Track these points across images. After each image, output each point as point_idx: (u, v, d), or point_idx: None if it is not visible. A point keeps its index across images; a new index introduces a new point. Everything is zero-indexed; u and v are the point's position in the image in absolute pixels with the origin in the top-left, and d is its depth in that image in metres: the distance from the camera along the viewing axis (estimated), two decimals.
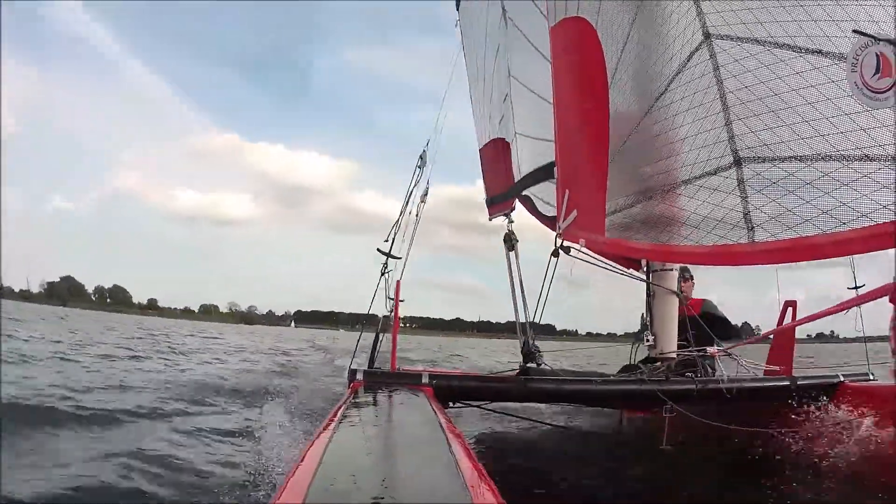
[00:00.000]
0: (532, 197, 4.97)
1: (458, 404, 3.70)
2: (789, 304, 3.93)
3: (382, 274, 3.89)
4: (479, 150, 6.21)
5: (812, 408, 3.28)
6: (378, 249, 3.99)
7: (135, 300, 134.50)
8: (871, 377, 3.69)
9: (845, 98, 2.12)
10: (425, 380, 3.24)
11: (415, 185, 4.29)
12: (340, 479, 1.31)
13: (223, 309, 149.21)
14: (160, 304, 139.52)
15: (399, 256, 3.95)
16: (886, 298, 1.77)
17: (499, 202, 5.55)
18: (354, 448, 1.75)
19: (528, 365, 3.62)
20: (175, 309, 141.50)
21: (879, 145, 1.99)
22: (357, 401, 2.69)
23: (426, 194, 4.35)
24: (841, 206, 2.02)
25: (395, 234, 4.01)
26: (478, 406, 3.90)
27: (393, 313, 3.84)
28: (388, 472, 1.45)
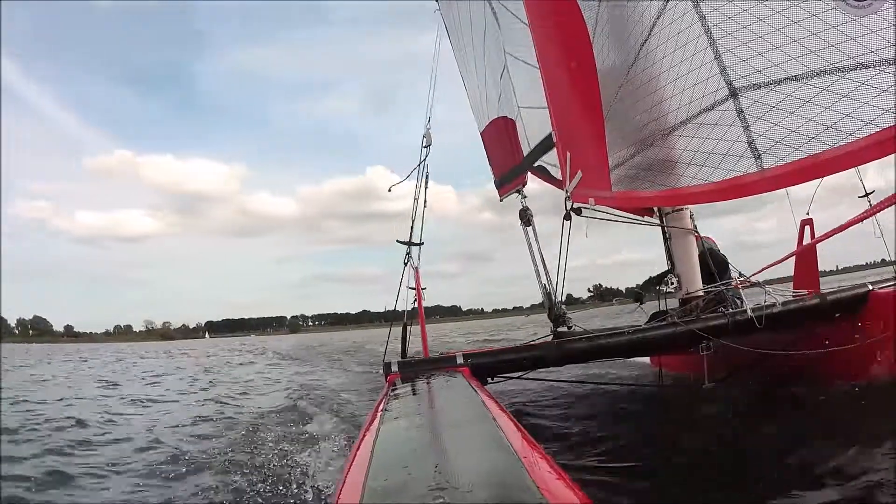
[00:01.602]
0: (545, 165, 4.97)
1: (496, 379, 3.72)
2: (806, 222, 3.87)
3: (406, 264, 3.90)
4: (481, 133, 6.20)
5: (845, 321, 3.27)
6: (398, 240, 4.01)
7: (55, 328, 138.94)
8: None
9: (829, 11, 2.11)
10: (460, 361, 3.26)
11: (422, 168, 4.33)
12: (394, 471, 1.31)
13: (139, 327, 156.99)
14: (76, 329, 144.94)
15: (421, 243, 3.97)
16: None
17: (509, 180, 5.55)
18: (403, 438, 1.75)
19: (559, 329, 3.63)
20: (96, 333, 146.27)
21: (872, 51, 1.99)
22: (396, 392, 2.70)
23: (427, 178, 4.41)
24: (844, 118, 2.03)
25: (413, 221, 4.05)
26: (517, 377, 3.92)
27: (416, 302, 3.87)
28: (439, 457, 1.43)
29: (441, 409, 2.41)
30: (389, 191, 4.45)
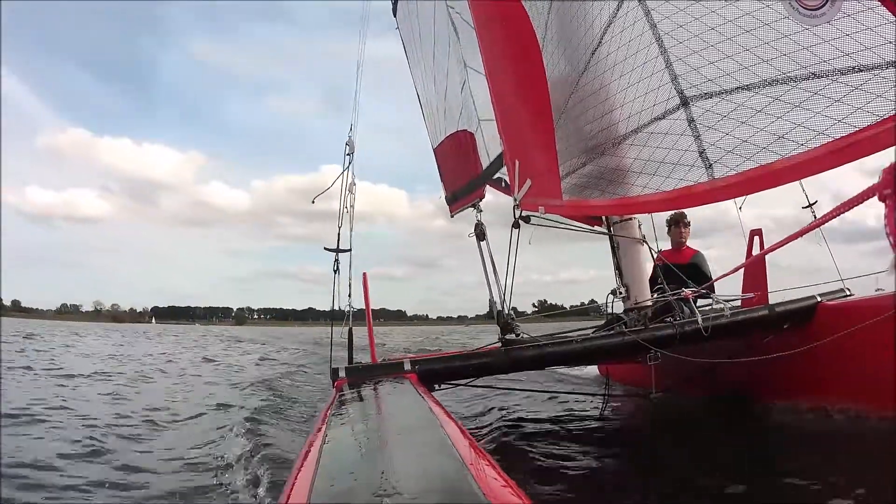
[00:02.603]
0: (503, 177, 4.88)
1: (444, 386, 3.66)
2: (755, 232, 3.90)
3: (335, 271, 3.80)
4: (434, 150, 6.11)
5: (793, 333, 3.30)
6: (325, 248, 3.92)
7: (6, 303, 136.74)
8: (848, 293, 3.65)
9: (782, 20, 2.11)
10: (408, 367, 3.20)
11: (344, 174, 4.20)
12: (341, 477, 1.31)
13: (87, 308, 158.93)
14: (23, 305, 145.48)
15: (348, 249, 3.87)
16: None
17: (464, 195, 5.43)
18: (350, 445, 1.76)
19: (507, 336, 3.57)
20: (45, 310, 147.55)
21: (824, 61, 2.00)
22: (344, 398, 2.65)
23: (354, 184, 4.28)
24: (796, 128, 2.02)
25: (340, 228, 3.95)
26: (465, 384, 3.86)
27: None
28: (385, 464, 1.42)
29: (388, 415, 2.38)
30: (313, 202, 4.28)
